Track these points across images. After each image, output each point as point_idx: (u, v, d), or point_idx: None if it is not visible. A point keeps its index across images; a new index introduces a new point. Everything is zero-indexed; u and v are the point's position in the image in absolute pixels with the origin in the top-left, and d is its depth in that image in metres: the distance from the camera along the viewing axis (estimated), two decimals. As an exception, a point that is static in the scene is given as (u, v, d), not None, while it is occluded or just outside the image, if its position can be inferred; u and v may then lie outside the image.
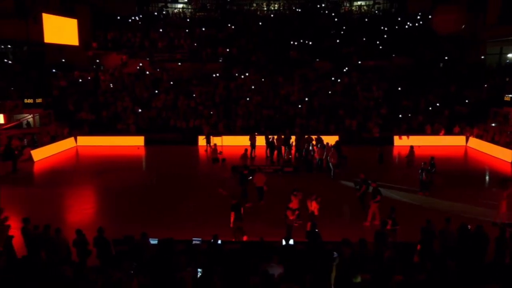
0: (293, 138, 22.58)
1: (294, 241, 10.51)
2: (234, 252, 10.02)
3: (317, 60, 33.36)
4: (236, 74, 32.49)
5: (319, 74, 32.38)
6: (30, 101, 24.47)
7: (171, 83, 32.02)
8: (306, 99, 29.36)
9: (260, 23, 38.00)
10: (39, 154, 23.14)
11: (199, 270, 8.41)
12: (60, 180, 19.25)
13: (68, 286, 7.70)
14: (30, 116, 25.89)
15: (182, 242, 10.53)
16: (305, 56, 33.69)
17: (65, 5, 31.69)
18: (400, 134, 26.24)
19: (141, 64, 33.74)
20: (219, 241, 10.15)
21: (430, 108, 28.42)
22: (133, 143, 26.36)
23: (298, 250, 10.19)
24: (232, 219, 12.04)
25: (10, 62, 32.62)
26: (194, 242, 10.64)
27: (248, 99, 29.63)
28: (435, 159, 17.19)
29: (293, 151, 22.62)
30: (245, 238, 11.53)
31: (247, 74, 32.43)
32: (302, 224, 12.55)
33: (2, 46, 33.19)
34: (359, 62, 33.11)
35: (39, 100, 24.95)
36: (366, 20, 39.33)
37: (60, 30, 28.44)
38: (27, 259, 9.24)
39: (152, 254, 9.82)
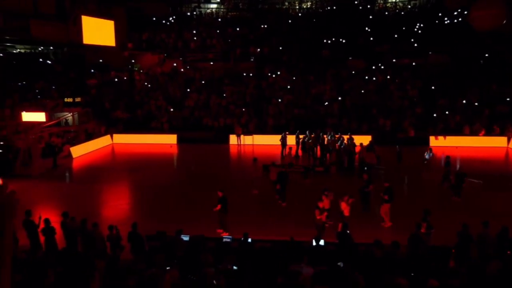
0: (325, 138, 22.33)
1: (324, 242, 10.40)
2: (264, 251, 10.05)
3: (350, 58, 32.83)
4: (268, 74, 32.49)
5: (352, 73, 31.88)
6: (69, 100, 25.45)
7: (203, 82, 32.44)
8: (340, 98, 28.96)
9: (292, 22, 37.81)
10: (78, 151, 24.05)
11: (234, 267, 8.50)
12: (97, 176, 19.98)
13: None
14: (69, 115, 26.94)
15: (213, 239, 10.67)
16: (338, 54, 33.22)
17: (102, 7, 32.74)
18: (436, 134, 25.39)
19: (174, 64, 34.39)
20: (249, 239, 10.20)
21: (469, 105, 27.26)
22: (166, 141, 26.90)
23: (329, 251, 10.09)
24: (217, 208, 12.17)
25: (51, 62, 34.11)
26: (224, 240, 10.77)
27: (280, 100, 29.57)
28: (450, 158, 17.18)
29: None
30: (225, 234, 11.83)
31: (278, 73, 32.35)
32: (333, 225, 12.42)
33: (44, 48, 34.75)
34: (394, 60, 32.31)
35: (78, 99, 25.90)
36: (402, 13, 38.28)
37: (98, 31, 29.37)
38: (66, 251, 9.66)
39: (182, 251, 10.00)
